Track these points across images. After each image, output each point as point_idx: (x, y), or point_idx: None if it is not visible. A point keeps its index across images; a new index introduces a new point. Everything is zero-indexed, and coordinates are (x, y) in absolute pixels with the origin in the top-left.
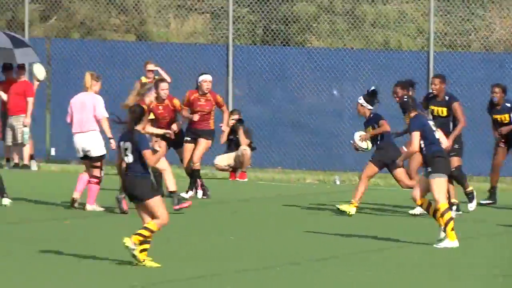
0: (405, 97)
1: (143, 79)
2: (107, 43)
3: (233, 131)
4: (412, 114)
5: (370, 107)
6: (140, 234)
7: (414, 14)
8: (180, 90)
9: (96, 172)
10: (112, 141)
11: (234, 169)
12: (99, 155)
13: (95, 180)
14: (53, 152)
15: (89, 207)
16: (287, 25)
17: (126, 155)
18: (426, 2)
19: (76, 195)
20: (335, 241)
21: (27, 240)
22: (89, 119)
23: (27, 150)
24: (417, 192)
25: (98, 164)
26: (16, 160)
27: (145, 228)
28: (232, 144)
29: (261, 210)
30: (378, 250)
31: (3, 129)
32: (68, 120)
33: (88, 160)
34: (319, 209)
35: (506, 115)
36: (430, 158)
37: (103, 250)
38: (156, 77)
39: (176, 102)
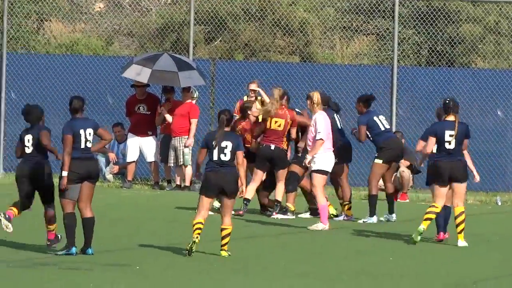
0: None
1: (245, 98)
2: (272, 64)
3: None
4: None
5: None
6: None
7: None
8: (343, 111)
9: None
10: None
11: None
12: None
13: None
14: None
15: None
16: (452, 46)
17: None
18: None
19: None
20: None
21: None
22: None
23: (188, 172)
24: None
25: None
26: (177, 182)
27: None
28: None
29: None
30: None
31: (166, 150)
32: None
33: None
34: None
35: None
36: None
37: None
38: (259, 97)
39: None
